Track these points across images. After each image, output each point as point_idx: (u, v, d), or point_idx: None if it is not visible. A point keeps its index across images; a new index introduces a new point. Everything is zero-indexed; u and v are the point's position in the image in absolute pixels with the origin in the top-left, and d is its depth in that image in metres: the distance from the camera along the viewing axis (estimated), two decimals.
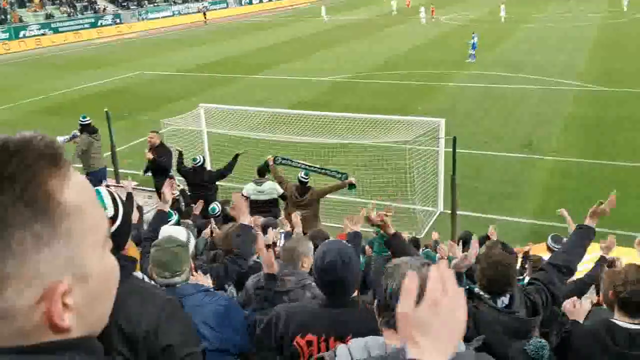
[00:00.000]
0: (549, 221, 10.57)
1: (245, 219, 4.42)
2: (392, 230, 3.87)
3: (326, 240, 3.76)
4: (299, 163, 10.68)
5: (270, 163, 10.09)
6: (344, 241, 3.21)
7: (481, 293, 3.19)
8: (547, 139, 16.74)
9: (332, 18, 52.37)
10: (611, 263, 6.78)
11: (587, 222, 3.68)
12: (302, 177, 9.57)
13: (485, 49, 31.82)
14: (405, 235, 6.92)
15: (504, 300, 3.15)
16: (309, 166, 10.49)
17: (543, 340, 2.54)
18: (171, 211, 5.67)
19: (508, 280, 3.13)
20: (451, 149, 10.79)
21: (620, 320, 3.03)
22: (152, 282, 3.25)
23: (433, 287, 1.13)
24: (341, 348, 1.84)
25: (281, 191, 10.18)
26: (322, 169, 10.67)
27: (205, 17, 57.26)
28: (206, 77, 29.38)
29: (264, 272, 3.68)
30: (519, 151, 15.69)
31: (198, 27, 54.42)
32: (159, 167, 11.09)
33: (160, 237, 3.94)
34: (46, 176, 0.82)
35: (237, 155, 10.98)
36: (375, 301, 1.92)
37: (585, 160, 14.67)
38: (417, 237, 9.13)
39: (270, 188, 10.10)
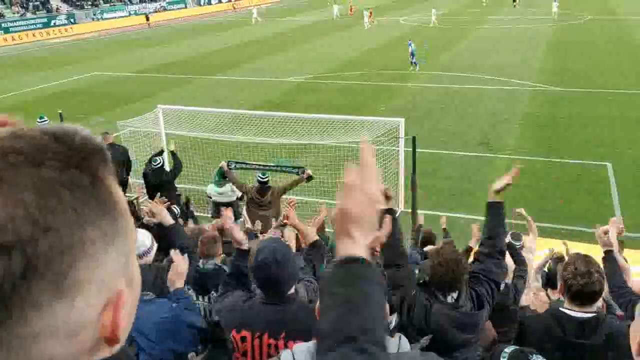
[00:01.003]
0: (506, 218, 10.80)
1: (167, 220, 4.48)
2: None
3: (264, 240, 3.78)
4: (253, 165, 10.64)
5: (225, 168, 9.99)
6: (282, 239, 3.23)
7: (433, 289, 3.30)
8: (503, 137, 17.13)
9: (281, 19, 52.29)
10: (561, 258, 7.00)
11: (493, 198, 3.62)
12: (260, 178, 9.49)
13: (441, 50, 32.38)
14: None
15: (454, 295, 3.26)
16: (264, 166, 10.46)
17: (517, 349, 2.61)
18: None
19: (457, 277, 3.23)
20: (411, 149, 10.93)
21: (570, 310, 3.12)
22: None
23: (367, 179, 1.17)
24: (285, 353, 1.82)
25: (240, 193, 10.15)
26: (277, 166, 10.65)
27: (148, 20, 55.06)
28: (164, 77, 28.97)
29: (235, 249, 3.63)
30: (476, 150, 16.00)
31: (153, 27, 53.53)
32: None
33: None
34: (104, 171, 0.75)
35: (172, 152, 10.83)
36: None
37: (539, 158, 15.06)
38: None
39: (231, 190, 10.06)
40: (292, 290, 2.98)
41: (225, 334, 2.96)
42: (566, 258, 5.67)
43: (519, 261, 5.63)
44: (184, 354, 3.27)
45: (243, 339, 2.84)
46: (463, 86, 24.02)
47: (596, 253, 6.52)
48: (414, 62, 27.36)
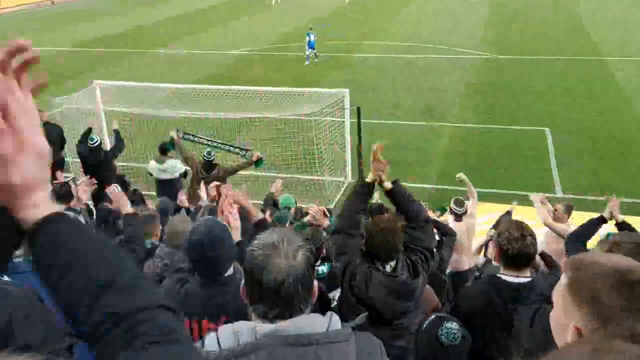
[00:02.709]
0: (451, 185, 11.01)
1: (127, 209, 4.37)
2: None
3: (199, 220, 3.68)
4: (202, 138, 10.45)
5: (176, 137, 9.77)
6: (218, 219, 3.13)
7: (372, 258, 3.32)
8: (446, 106, 17.40)
9: None
10: (497, 224, 7.19)
11: (387, 187, 3.67)
12: (206, 157, 9.32)
13: (382, 20, 32.45)
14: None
15: (392, 264, 3.29)
16: (213, 141, 10.29)
17: (455, 325, 2.64)
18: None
19: (394, 245, 3.27)
20: (356, 120, 10.93)
21: (506, 275, 3.19)
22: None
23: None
24: (210, 336, 1.74)
25: (183, 169, 9.95)
26: (225, 144, 10.48)
27: None
28: (100, 52, 27.90)
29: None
30: (421, 119, 16.19)
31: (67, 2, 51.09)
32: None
33: None
34: None
35: (116, 131, 10.50)
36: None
37: (482, 125, 15.39)
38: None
39: (172, 167, 9.85)
40: (230, 272, 2.88)
41: None
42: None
43: (446, 231, 5.75)
44: None
45: None
46: (405, 56, 24.17)
47: (533, 215, 6.74)
48: (307, 56, 23.75)
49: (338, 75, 21.13)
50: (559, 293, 1.47)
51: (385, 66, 22.71)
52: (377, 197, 9.10)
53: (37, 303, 2.59)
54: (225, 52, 26.70)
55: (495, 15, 33.23)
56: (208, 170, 9.28)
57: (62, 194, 6.08)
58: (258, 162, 9.68)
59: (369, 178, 3.63)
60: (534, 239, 3.17)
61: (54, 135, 11.04)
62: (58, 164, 11.06)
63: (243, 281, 1.78)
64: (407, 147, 14.25)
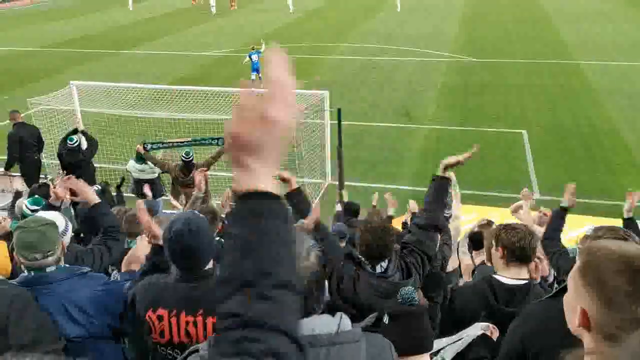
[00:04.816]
0: (427, 186, 11.14)
1: (93, 198, 4.25)
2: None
3: (179, 212, 3.60)
4: (170, 143, 10.31)
5: (142, 152, 9.60)
6: (197, 212, 3.12)
7: (361, 258, 3.28)
8: (422, 107, 17.59)
9: None
10: (490, 223, 7.31)
11: (442, 173, 3.54)
12: (184, 158, 9.24)
13: (358, 22, 32.65)
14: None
15: (383, 265, 3.24)
16: (182, 142, 10.15)
17: (410, 288, 2.61)
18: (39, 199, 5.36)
19: (386, 245, 3.20)
20: (336, 121, 10.99)
21: (502, 277, 3.23)
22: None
23: (273, 99, 1.01)
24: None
25: (158, 171, 9.89)
26: (195, 140, 10.36)
27: None
28: (71, 53, 27.43)
29: (151, 245, 3.38)
30: (396, 120, 16.35)
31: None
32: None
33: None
34: None
35: (82, 131, 10.41)
36: None
37: (458, 128, 15.59)
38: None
39: (152, 167, 9.78)
40: (210, 265, 2.87)
41: (140, 315, 2.84)
42: (494, 224, 5.89)
43: (443, 229, 5.82)
44: (120, 329, 3.19)
45: (160, 317, 2.75)
46: (381, 58, 24.34)
47: (510, 216, 6.87)
48: (259, 77, 19.06)
49: (314, 77, 21.17)
50: (572, 275, 1.52)
51: (360, 68, 22.84)
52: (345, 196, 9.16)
53: (32, 304, 2.60)
54: (200, 52, 26.54)
55: (470, 17, 33.65)
56: (186, 172, 9.22)
57: (41, 194, 6.01)
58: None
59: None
60: (532, 236, 3.25)
61: (30, 136, 10.88)
62: (36, 166, 10.92)
63: None
64: (384, 148, 14.40)
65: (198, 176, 5.47)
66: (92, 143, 10.26)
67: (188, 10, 40.05)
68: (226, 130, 1.01)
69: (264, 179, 1.00)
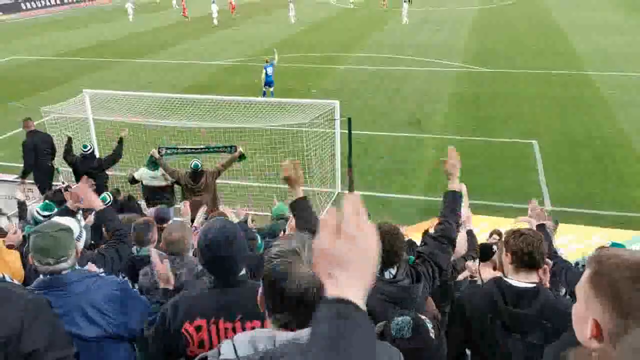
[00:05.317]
0: (438, 196, 11.09)
1: (98, 204, 4.32)
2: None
3: (211, 219, 3.63)
4: (184, 149, 10.39)
5: (156, 156, 9.66)
6: (229, 219, 3.14)
7: None
8: (432, 117, 17.57)
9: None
10: (499, 233, 7.30)
11: (449, 187, 3.74)
12: (193, 167, 9.30)
13: (368, 31, 32.74)
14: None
15: (392, 271, 3.25)
16: (195, 149, 10.23)
17: (408, 318, 2.58)
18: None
19: (395, 251, 3.22)
20: (346, 130, 11.01)
21: (512, 280, 3.24)
22: (14, 281, 3.00)
23: (348, 221, 1.14)
24: (225, 344, 1.69)
25: (170, 181, 9.94)
26: (208, 148, 10.43)
27: None
28: (84, 61, 27.71)
29: (160, 287, 3.45)
30: (406, 130, 16.35)
31: (76, 8, 50.93)
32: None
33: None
34: None
35: (121, 139, 10.51)
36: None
37: (467, 137, 15.57)
38: None
39: (163, 174, 9.85)
40: (243, 272, 2.87)
41: (172, 331, 2.84)
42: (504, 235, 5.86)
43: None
44: (138, 330, 3.22)
45: (198, 328, 2.72)
46: (391, 67, 24.39)
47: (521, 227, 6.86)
48: (271, 92, 19.09)
49: (323, 86, 21.27)
50: (581, 286, 1.47)
51: (370, 77, 22.87)
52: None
53: (46, 310, 2.63)
54: (209, 62, 26.72)
55: (481, 28, 33.67)
56: (195, 179, 9.29)
57: (56, 200, 6.08)
58: (241, 157, 9.71)
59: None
60: (541, 241, 3.25)
61: (44, 143, 10.99)
62: (49, 172, 11.03)
63: (261, 290, 1.73)
64: (394, 158, 14.40)
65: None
66: (116, 154, 10.34)
67: (194, 21, 40.37)
68: (315, 244, 1.15)
69: (348, 290, 1.10)
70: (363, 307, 1.11)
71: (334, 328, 1.07)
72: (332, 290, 1.11)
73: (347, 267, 1.12)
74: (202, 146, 10.49)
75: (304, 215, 3.52)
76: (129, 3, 42.11)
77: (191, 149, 10.32)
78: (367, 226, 1.16)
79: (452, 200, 3.63)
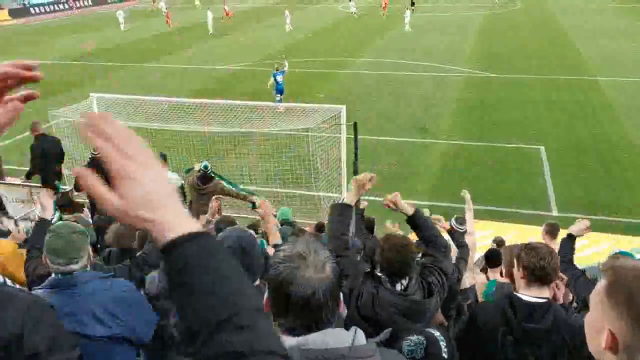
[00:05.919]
0: (444, 202, 11.11)
1: (48, 214, 4.29)
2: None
3: (227, 228, 3.66)
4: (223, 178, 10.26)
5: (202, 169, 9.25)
6: (245, 227, 3.14)
7: (381, 276, 3.25)
8: (437, 122, 17.57)
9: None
10: (501, 242, 7.29)
11: (408, 214, 3.74)
12: (203, 169, 9.29)
13: (374, 36, 32.78)
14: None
15: (403, 283, 3.23)
16: (229, 182, 10.08)
17: (421, 338, 2.59)
18: (55, 213, 5.43)
19: (407, 262, 3.21)
20: (353, 135, 11.02)
21: (523, 295, 3.23)
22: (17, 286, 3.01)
23: (116, 161, 1.00)
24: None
25: (180, 183, 9.95)
26: (238, 189, 10.25)
27: None
28: (90, 65, 27.88)
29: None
30: (411, 135, 16.34)
31: (80, 13, 51.24)
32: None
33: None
34: None
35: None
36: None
37: (472, 142, 15.56)
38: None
39: (178, 177, 9.90)
40: (257, 282, 2.89)
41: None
42: (506, 242, 5.90)
43: (460, 245, 5.84)
44: (147, 335, 3.21)
45: None
46: (397, 72, 24.40)
47: (528, 233, 6.86)
48: (279, 100, 18.19)
49: (329, 91, 21.30)
50: (596, 295, 1.42)
51: (376, 82, 22.90)
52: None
53: (49, 312, 2.65)
54: (215, 66, 26.81)
55: (487, 33, 33.67)
56: (204, 182, 9.30)
57: (62, 203, 6.13)
58: (253, 205, 9.62)
59: (348, 199, 3.55)
60: (553, 256, 3.26)
61: (52, 147, 11.03)
62: (56, 176, 11.08)
63: (266, 294, 1.72)
64: (398, 163, 14.38)
65: (214, 203, 5.56)
66: None
67: (196, 27, 40.57)
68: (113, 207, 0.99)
69: (170, 224, 0.98)
70: (192, 226, 1.00)
71: (193, 276, 0.98)
72: (162, 235, 0.98)
73: (154, 204, 0.97)
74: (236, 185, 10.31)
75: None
76: (119, 11, 42.32)
77: (226, 180, 10.14)
78: (137, 152, 1.00)
79: (420, 223, 3.70)
